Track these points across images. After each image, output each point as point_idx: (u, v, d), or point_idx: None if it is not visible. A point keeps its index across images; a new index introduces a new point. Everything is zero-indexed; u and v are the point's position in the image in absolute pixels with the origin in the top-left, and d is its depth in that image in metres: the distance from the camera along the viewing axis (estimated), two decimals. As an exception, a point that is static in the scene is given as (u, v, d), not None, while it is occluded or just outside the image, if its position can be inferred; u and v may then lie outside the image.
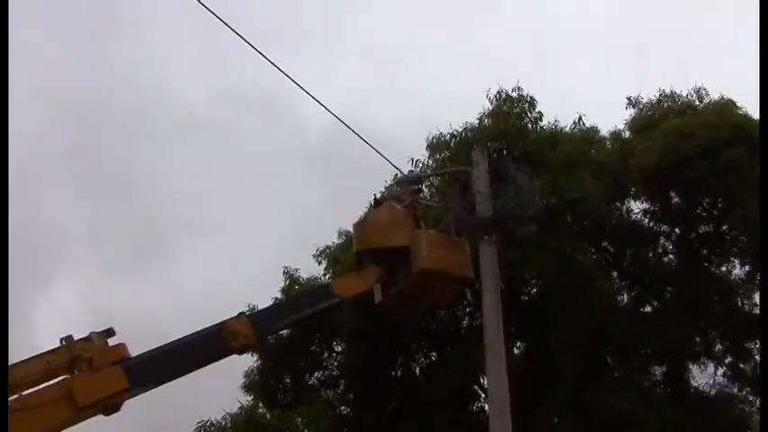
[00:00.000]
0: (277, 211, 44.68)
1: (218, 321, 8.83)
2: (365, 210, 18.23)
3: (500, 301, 8.99)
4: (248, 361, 18.62)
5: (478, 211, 9.31)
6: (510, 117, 17.23)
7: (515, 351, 18.01)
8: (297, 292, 17.64)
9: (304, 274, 18.99)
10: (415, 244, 9.90)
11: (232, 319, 8.97)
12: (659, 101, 18.71)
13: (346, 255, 17.09)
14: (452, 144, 17.58)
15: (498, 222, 9.27)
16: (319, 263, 18.82)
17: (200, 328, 8.65)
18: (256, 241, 41.81)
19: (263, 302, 16.82)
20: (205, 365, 8.58)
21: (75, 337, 7.89)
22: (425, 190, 16.62)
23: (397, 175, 17.74)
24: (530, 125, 17.54)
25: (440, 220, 10.61)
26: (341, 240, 18.97)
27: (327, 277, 18.35)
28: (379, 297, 10.35)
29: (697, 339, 17.47)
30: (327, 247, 19.03)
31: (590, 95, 40.46)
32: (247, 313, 9.61)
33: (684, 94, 18.47)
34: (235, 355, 8.94)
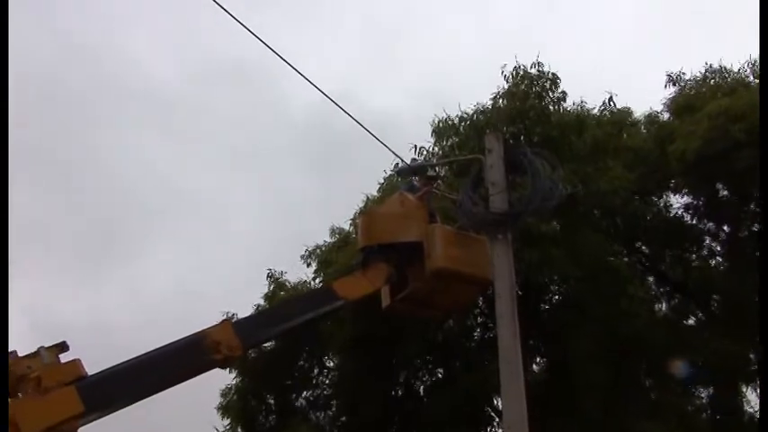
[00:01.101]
0: (257, 203, 44.95)
1: (197, 330, 8.68)
2: (362, 203, 18.89)
3: (516, 309, 9.06)
4: (225, 378, 18.88)
5: (492, 205, 9.45)
6: (528, 97, 17.35)
7: (534, 367, 18.23)
8: (289, 296, 17.86)
9: (291, 277, 19.35)
10: (429, 240, 10.07)
11: (213, 327, 8.91)
12: (705, 77, 18.75)
13: (341, 255, 17.56)
14: (461, 129, 17.76)
15: (514, 217, 9.39)
16: (308, 264, 19.13)
17: (172, 340, 8.52)
18: (233, 238, 41.74)
19: (243, 311, 17.28)
20: (180, 382, 8.44)
21: (20, 354, 7.71)
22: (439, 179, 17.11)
23: (397, 164, 17.21)
24: (551, 106, 17.67)
25: (451, 216, 10.88)
26: (334, 239, 19.28)
27: (318, 281, 18.61)
28: (388, 300, 10.55)
29: (751, 356, 17.31)
30: (318, 246, 19.27)
31: (622, 71, 40.33)
32: (232, 320, 9.72)
33: (736, 69, 18.46)
34: (208, 372, 8.74)
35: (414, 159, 12.06)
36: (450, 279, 10.10)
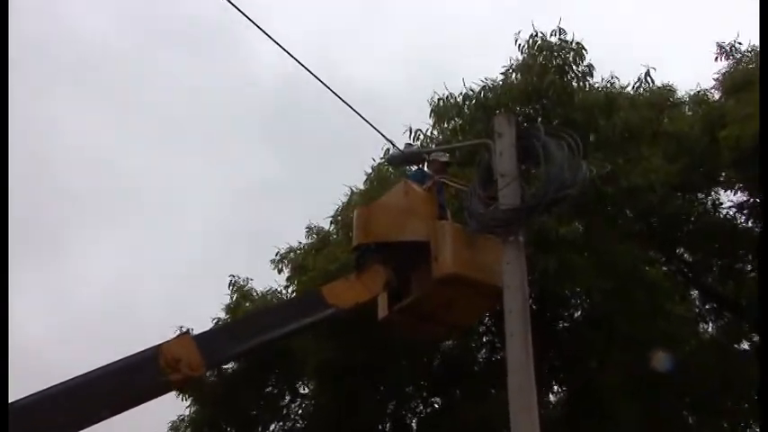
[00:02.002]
0: (214, 190, 44.98)
1: (149, 346, 8.66)
2: (346, 197, 18.91)
3: (530, 326, 9.06)
4: (176, 406, 19.07)
5: (501, 201, 9.48)
6: (547, 72, 17.50)
7: (551, 398, 18.46)
8: (266, 305, 18.16)
9: (258, 285, 19.56)
10: (437, 240, 10.27)
11: (170, 341, 8.98)
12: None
13: (319, 260, 17.75)
14: (466, 109, 17.89)
15: (527, 213, 9.40)
16: (279, 270, 19.27)
17: (108, 360, 8.49)
18: (183, 234, 41.79)
19: (197, 326, 17.11)
20: (127, 409, 8.36)
21: None
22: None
23: (389, 150, 17.54)
24: (575, 83, 17.80)
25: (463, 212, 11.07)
26: (311, 240, 19.47)
27: (291, 291, 18.86)
28: (385, 311, 10.76)
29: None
30: (291, 249, 19.45)
31: (663, 41, 40.01)
32: (192, 333, 10.25)
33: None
34: (161, 396, 8.73)
35: (408, 145, 12.13)
36: (461, 288, 10.29)
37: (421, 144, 17.84)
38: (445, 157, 11.72)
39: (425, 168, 11.72)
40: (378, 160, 18.92)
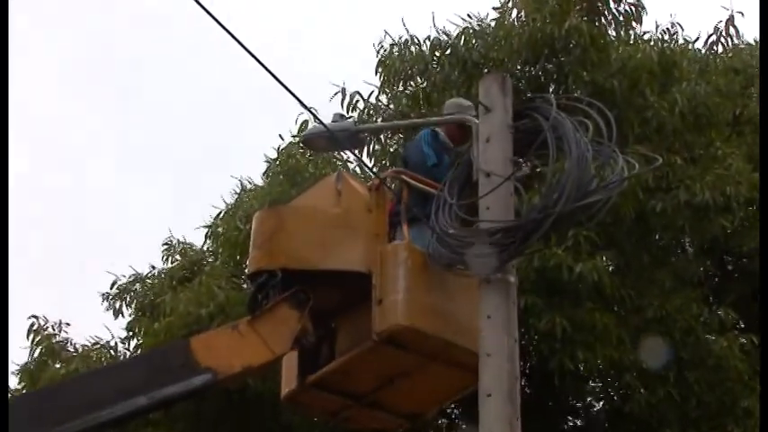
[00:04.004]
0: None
1: None
2: (233, 199, 19.32)
3: (519, 423, 9.16)
4: None
5: (484, 215, 9.70)
6: (568, 10, 17.74)
7: None
8: (97, 369, 17.91)
9: (78, 334, 19.54)
10: (383, 274, 10.40)
11: None
12: None
13: (183, 297, 17.75)
14: (434, 64, 18.24)
15: (525, 238, 9.55)
16: (116, 312, 19.60)
17: None
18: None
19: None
20: None
21: None
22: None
23: (306, 123, 17.93)
24: (612, 31, 18.20)
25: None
26: (170, 264, 19.85)
27: (135, 346, 18.90)
28: (293, 384, 10.86)
29: None
30: (138, 277, 19.79)
31: None
32: None
33: None
34: None
35: (340, 116, 11.90)
36: (418, 352, 10.41)
37: (361, 116, 18.05)
38: (472, 112, 11.31)
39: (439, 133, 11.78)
40: (288, 139, 19.17)
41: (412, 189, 11.04)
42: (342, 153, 17.74)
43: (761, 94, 10.14)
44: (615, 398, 18.23)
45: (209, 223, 19.58)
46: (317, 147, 13.16)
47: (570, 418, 18.56)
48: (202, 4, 8.55)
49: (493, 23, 18.35)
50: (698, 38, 19.59)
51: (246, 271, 11.40)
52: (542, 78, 17.65)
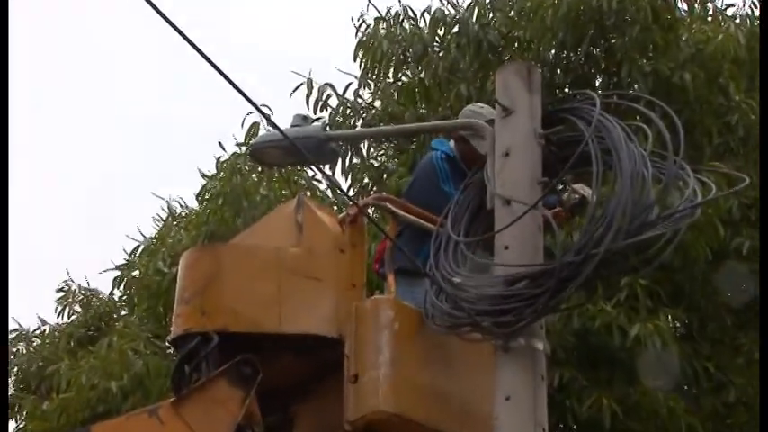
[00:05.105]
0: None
1: None
2: (157, 224, 19.79)
3: None
4: None
5: (501, 257, 9.73)
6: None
7: None
8: None
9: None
10: (358, 340, 10.33)
11: None
12: None
13: (85, 367, 17.92)
14: (436, 46, 18.47)
15: (559, 287, 9.45)
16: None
17: None
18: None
19: None
20: None
21: None
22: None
23: (256, 126, 18.69)
24: (678, 3, 18.50)
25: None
26: (63, 319, 20.30)
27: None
28: None
29: None
30: (20, 333, 20.17)
31: None
32: None
33: None
34: None
35: (304, 118, 11.88)
36: None
37: (332, 118, 18.20)
38: (490, 115, 10.96)
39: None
40: (232, 149, 19.32)
41: (402, 222, 11.06)
42: (306, 169, 17.89)
43: (761, 94, 10.47)
44: None
45: (121, 263, 19.67)
46: (270, 160, 12.78)
47: None
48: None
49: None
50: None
51: (171, 333, 11.16)
52: (585, 68, 17.73)
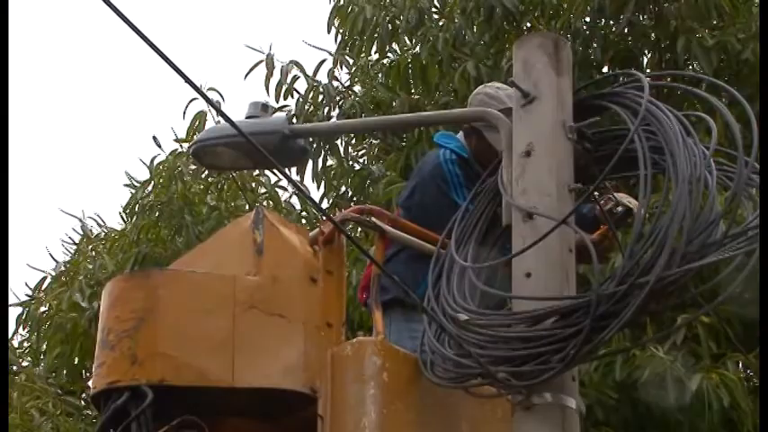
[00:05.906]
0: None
1: None
2: (70, 246, 19.75)
3: None
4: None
5: (519, 289, 9.73)
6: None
7: None
8: None
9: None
10: (336, 396, 10.34)
11: None
12: None
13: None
14: (435, 13, 18.89)
15: (598, 328, 9.41)
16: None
17: None
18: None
19: None
20: None
21: None
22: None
23: (202, 116, 19.63)
24: None
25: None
26: None
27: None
28: None
29: None
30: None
31: None
32: None
33: None
34: None
35: (264, 107, 11.90)
36: None
37: (300, 106, 18.53)
38: (509, 100, 11.08)
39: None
40: (171, 146, 19.59)
41: (392, 242, 11.17)
42: (266, 173, 17.73)
43: (761, 93, 10.65)
44: None
45: (25, 298, 19.80)
46: (219, 162, 12.82)
47: None
48: None
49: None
50: None
51: (92, 388, 11.08)
52: (629, 41, 17.64)
